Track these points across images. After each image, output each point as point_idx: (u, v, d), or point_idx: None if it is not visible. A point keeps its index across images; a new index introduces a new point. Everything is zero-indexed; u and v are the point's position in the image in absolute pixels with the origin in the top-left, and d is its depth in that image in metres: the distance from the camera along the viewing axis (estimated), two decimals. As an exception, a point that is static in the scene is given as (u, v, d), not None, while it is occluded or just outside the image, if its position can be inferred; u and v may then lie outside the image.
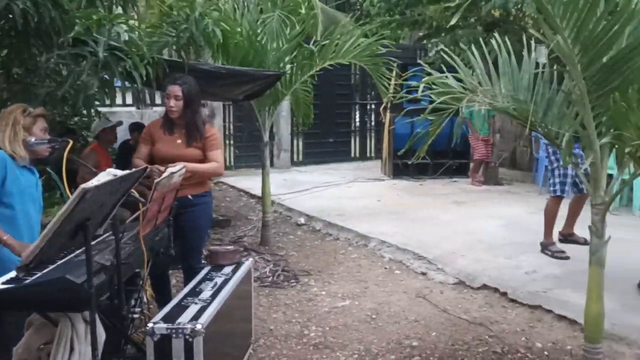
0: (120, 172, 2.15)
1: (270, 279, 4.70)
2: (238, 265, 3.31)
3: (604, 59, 2.58)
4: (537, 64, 3.19)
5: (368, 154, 11.72)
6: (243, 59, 5.18)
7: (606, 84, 2.60)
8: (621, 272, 4.19)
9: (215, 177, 6.66)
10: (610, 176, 2.87)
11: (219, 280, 3.05)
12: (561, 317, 3.72)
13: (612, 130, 2.62)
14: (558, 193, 4.88)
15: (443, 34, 8.46)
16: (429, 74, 3.36)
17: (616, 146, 2.70)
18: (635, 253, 4.10)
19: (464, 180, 8.96)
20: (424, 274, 4.77)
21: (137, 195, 2.47)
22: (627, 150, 2.49)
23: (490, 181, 8.72)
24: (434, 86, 3.31)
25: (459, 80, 3.20)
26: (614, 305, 3.75)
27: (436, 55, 8.26)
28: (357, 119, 11.86)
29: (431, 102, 3.22)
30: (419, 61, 4.55)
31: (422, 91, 3.32)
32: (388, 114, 9.22)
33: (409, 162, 8.27)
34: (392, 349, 3.44)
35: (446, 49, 3.46)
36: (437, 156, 9.09)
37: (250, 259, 3.54)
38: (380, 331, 3.69)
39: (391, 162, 9.28)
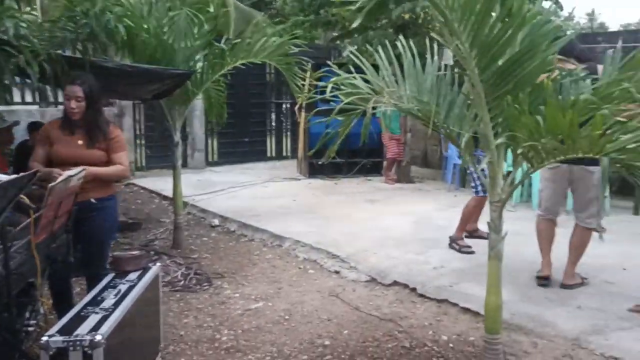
0: (4, 177, 2.00)
1: (181, 283, 4.58)
2: (145, 270, 3.19)
3: (499, 63, 2.71)
4: (441, 67, 3.31)
5: (284, 154, 11.72)
6: (151, 57, 5.00)
7: (501, 87, 2.73)
8: (521, 264, 4.45)
9: (123, 179, 6.41)
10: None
11: (123, 287, 2.92)
12: (466, 310, 3.88)
13: (507, 131, 2.75)
14: (481, 194, 5.06)
15: (356, 35, 8.60)
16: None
17: (511, 146, 2.84)
18: (534, 246, 4.35)
19: (378, 179, 9.16)
20: (337, 272, 4.83)
21: (27, 201, 2.31)
22: (519, 151, 2.62)
23: (403, 179, 8.97)
24: (342, 87, 3.35)
25: (367, 81, 3.26)
26: (514, 296, 3.97)
27: (348, 56, 8.38)
28: (273, 118, 11.83)
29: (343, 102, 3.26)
30: (327, 62, 4.56)
31: (331, 92, 3.36)
32: (303, 114, 9.26)
33: (322, 162, 8.34)
34: (305, 349, 3.45)
35: (353, 51, 3.49)
36: (352, 155, 9.24)
37: (159, 264, 3.42)
38: (293, 332, 3.69)
39: (307, 162, 9.32)
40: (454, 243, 5.13)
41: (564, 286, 4.13)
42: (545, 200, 4.32)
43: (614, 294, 4.02)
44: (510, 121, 2.63)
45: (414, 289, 4.29)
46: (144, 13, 5.02)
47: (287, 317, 3.92)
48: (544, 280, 4.20)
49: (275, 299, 4.26)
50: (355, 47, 7.55)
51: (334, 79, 3.33)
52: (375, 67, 3.29)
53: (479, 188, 5.03)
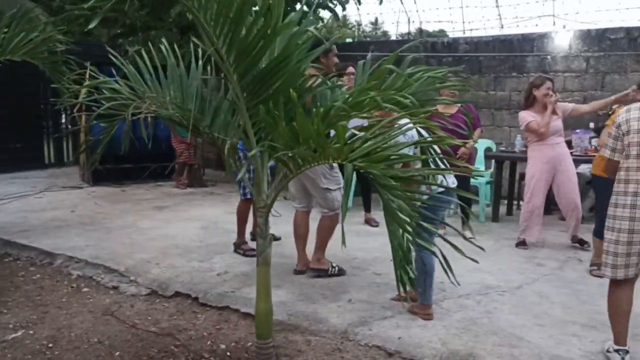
0: None
1: None
2: None
3: (258, 70, 2.72)
4: (206, 71, 3.24)
5: (65, 160, 10.73)
6: None
7: (260, 93, 2.74)
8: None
9: None
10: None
11: None
12: (246, 315, 3.88)
13: (268, 139, 2.78)
14: (248, 196, 5.10)
15: (139, 34, 8.19)
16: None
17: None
18: (310, 243, 4.55)
19: (169, 184, 8.85)
20: (115, 288, 4.50)
21: None
22: (275, 155, 2.65)
23: (195, 183, 8.80)
24: (104, 91, 3.12)
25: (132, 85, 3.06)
26: (292, 296, 4.08)
27: (130, 55, 7.94)
28: (51, 122, 10.74)
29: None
30: (85, 63, 4.23)
31: (88, 95, 3.10)
32: (84, 117, 8.54)
33: (100, 169, 7.75)
34: (68, 379, 3.12)
35: (113, 52, 3.26)
36: (141, 160, 8.79)
37: None
38: (57, 361, 3.32)
39: (90, 168, 8.64)
40: (238, 249, 5.14)
41: (310, 269, 4.48)
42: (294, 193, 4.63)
43: (381, 285, 4.36)
44: (268, 128, 2.65)
45: (195, 299, 4.18)
46: None
47: (50, 345, 3.52)
48: (300, 273, 4.53)
49: (39, 325, 3.81)
50: (137, 47, 7.17)
51: (90, 82, 3.09)
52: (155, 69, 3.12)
53: (245, 191, 5.11)
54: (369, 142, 2.37)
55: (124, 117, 2.96)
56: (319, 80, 2.98)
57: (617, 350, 3.07)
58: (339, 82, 3.22)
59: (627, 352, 3.07)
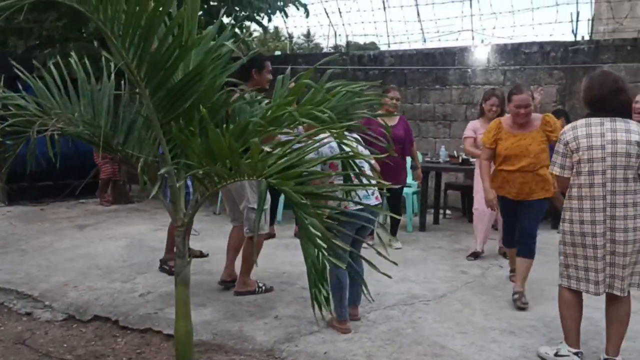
0: None
1: None
2: None
3: (172, 83, 2.65)
4: (120, 86, 3.13)
5: (-21, 178, 10.10)
6: None
7: (174, 109, 2.67)
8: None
9: None
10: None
11: None
12: (169, 337, 3.73)
13: (183, 156, 2.71)
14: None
15: (57, 46, 7.84)
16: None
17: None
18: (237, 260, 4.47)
19: (94, 201, 8.52)
20: (28, 314, 4.24)
21: None
22: (189, 173, 2.59)
23: (121, 200, 8.50)
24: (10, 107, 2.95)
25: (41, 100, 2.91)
26: (217, 315, 3.98)
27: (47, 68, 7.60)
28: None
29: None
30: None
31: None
32: (-3, 132, 8.08)
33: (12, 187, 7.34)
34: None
35: (18, 65, 3.08)
36: (62, 176, 8.39)
37: None
38: (-42, 397, 3.09)
39: (4, 187, 8.16)
40: (165, 265, 4.98)
41: (236, 293, 4.37)
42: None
43: (308, 299, 4.25)
44: (181, 145, 2.58)
45: (116, 322, 3.99)
46: None
47: (-48, 380, 3.27)
48: (228, 284, 4.47)
49: (-59, 359, 3.53)
50: (53, 59, 6.85)
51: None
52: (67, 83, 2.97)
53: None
54: (284, 159, 2.35)
55: (28, 134, 2.81)
56: (237, 95, 2.94)
57: (576, 353, 3.17)
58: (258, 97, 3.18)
59: (581, 353, 3.18)
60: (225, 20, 8.11)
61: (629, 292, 3.10)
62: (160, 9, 2.35)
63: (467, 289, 4.62)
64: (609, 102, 3.03)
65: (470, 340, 3.59)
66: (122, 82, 3.10)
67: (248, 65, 4.37)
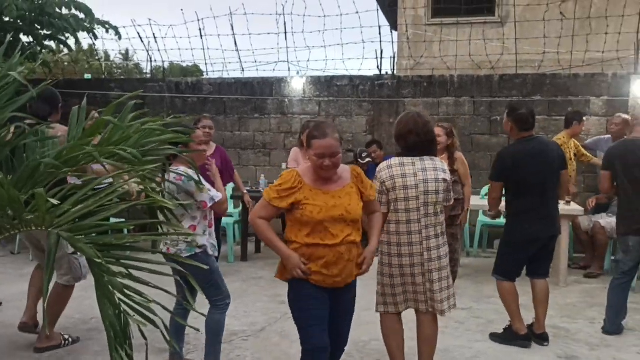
0: None
1: None
2: None
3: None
4: None
5: None
6: None
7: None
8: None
9: None
10: None
11: None
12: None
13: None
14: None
15: None
16: None
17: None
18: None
19: None
20: None
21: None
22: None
23: None
24: None
25: None
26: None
27: None
28: None
29: None
30: None
31: None
32: None
33: None
34: None
35: None
36: None
37: None
38: None
39: None
40: None
41: (36, 350, 3.89)
42: None
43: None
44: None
45: None
46: None
47: None
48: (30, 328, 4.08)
49: None
50: None
51: None
52: None
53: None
54: (79, 206, 2.13)
55: None
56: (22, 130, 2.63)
57: None
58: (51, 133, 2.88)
59: None
60: (25, 39, 7.38)
61: (435, 315, 3.37)
62: None
63: (286, 319, 4.65)
64: (416, 143, 3.30)
65: (287, 374, 3.60)
66: None
67: (55, 97, 4.05)
